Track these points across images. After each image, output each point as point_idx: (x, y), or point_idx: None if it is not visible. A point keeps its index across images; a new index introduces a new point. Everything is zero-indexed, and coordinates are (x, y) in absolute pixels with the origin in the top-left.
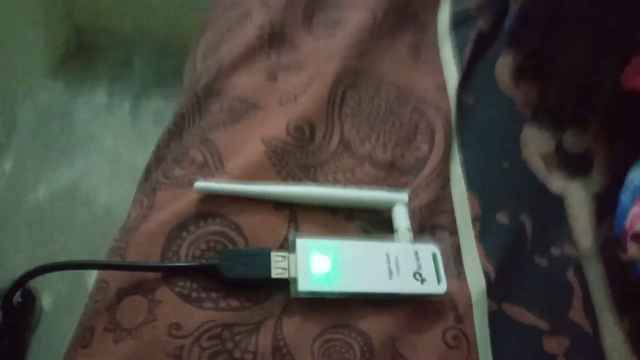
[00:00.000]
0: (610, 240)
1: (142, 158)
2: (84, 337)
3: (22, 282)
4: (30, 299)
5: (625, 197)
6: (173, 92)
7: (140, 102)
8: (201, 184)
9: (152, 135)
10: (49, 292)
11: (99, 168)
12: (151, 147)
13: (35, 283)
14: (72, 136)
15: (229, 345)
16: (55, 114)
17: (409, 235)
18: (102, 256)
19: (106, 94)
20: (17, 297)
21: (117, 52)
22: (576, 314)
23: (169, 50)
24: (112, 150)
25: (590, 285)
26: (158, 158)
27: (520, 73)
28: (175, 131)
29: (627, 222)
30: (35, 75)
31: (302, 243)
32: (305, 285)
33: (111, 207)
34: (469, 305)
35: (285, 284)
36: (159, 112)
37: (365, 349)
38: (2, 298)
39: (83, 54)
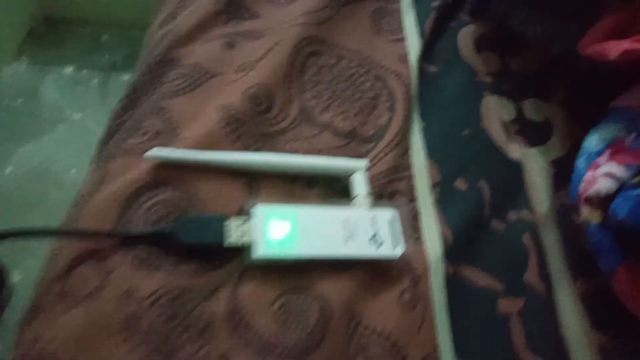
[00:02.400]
0: (566, 206)
1: None
2: (33, 309)
3: None
4: (1, 275)
5: (580, 162)
6: None
7: (109, 76)
8: (152, 152)
9: None
10: (20, 268)
11: (69, 145)
12: None
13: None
14: (40, 113)
15: (183, 310)
16: (22, 92)
17: (367, 201)
18: None
19: (74, 69)
20: None
21: (85, 28)
22: (531, 276)
23: (138, 23)
24: (81, 127)
25: (546, 249)
26: (111, 130)
27: (483, 42)
28: (129, 103)
29: (581, 187)
30: (0, 54)
31: (259, 210)
32: (260, 251)
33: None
34: (426, 269)
35: (243, 251)
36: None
37: (322, 311)
38: None
39: (49, 31)
